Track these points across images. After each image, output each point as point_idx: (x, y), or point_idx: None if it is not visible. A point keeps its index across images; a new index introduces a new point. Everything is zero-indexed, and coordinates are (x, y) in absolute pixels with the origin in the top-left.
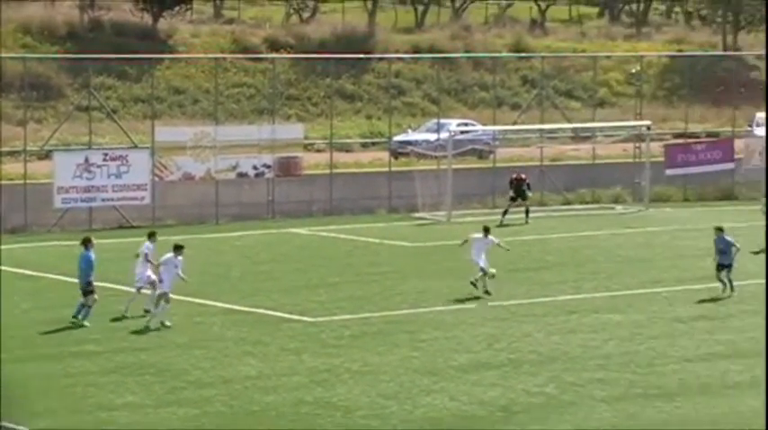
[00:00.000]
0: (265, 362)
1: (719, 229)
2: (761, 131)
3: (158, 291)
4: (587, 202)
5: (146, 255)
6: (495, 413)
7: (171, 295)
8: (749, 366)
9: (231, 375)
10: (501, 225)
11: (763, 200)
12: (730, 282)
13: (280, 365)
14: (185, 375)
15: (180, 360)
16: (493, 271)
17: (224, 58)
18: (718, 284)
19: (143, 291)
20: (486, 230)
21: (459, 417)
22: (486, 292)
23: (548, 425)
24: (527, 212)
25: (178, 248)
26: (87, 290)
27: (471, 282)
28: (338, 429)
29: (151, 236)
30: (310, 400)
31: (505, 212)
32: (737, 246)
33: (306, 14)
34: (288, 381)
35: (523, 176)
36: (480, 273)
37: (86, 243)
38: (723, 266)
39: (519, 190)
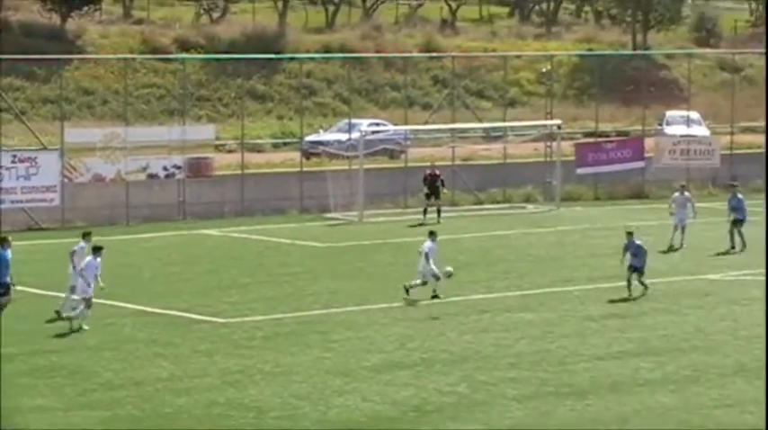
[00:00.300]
0: (177, 363)
1: (630, 233)
2: (671, 130)
3: (82, 296)
4: (499, 202)
5: (72, 252)
6: (407, 413)
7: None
8: (660, 363)
9: (142, 377)
10: (420, 224)
11: (672, 196)
12: (642, 283)
13: (191, 367)
14: (96, 377)
15: (91, 362)
16: (449, 269)
17: (133, 59)
18: (626, 284)
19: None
20: (432, 234)
21: (372, 418)
22: (435, 297)
23: (460, 424)
24: (439, 212)
25: (97, 250)
26: (1, 291)
27: (405, 287)
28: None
29: (86, 235)
30: (222, 402)
31: (425, 212)
32: (645, 248)
33: (216, 14)
34: (200, 383)
35: (437, 172)
36: (433, 279)
37: (3, 242)
38: (635, 269)
39: (433, 186)
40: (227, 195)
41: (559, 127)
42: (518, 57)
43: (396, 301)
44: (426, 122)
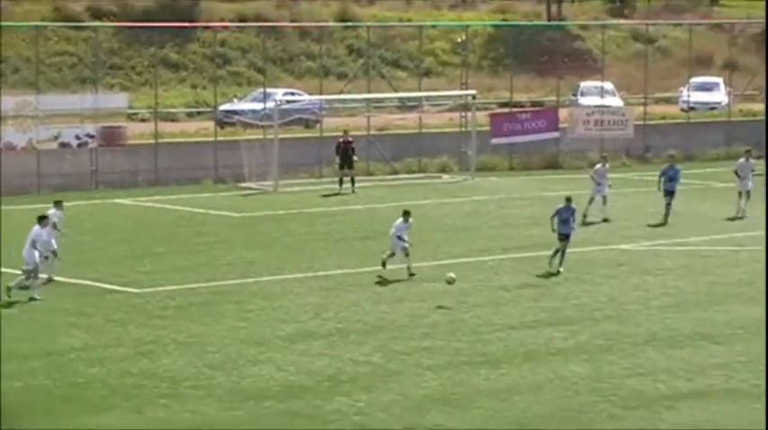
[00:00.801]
0: (90, 333)
1: (568, 199)
2: (585, 101)
3: (29, 267)
4: (414, 172)
5: (54, 224)
6: (322, 383)
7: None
8: (573, 333)
9: (55, 347)
10: (336, 194)
11: (594, 167)
12: (563, 253)
13: (104, 337)
14: (7, 347)
15: (2, 332)
16: (452, 275)
17: (45, 27)
18: (553, 253)
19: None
20: (406, 214)
21: (286, 387)
22: (411, 274)
23: (374, 394)
24: (353, 181)
25: (43, 219)
26: None
27: (383, 260)
28: (164, 400)
29: (57, 203)
30: (135, 372)
31: (341, 182)
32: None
33: None
34: (113, 353)
35: (350, 140)
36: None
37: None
38: (565, 236)
39: (346, 155)
40: (141, 164)
41: (474, 97)
42: (433, 27)
43: (310, 271)
44: (341, 92)
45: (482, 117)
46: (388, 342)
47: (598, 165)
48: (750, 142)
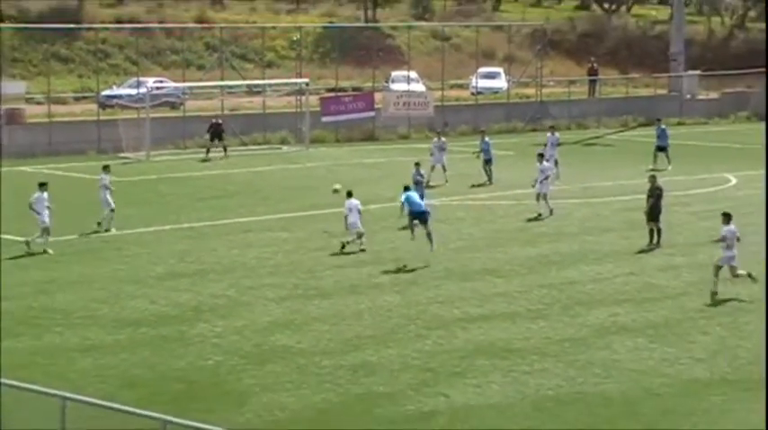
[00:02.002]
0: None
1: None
2: (395, 87)
3: (43, 226)
4: (259, 144)
5: (106, 185)
6: (186, 313)
7: None
8: (387, 270)
9: None
10: (204, 161)
11: (433, 141)
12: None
13: (11, 278)
14: None
15: None
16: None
17: None
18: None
19: None
20: (350, 194)
21: (158, 316)
22: (362, 250)
23: (229, 320)
24: (225, 149)
25: (42, 185)
26: None
27: (342, 243)
28: (59, 328)
29: (105, 168)
30: (36, 306)
31: (208, 151)
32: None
33: None
34: (18, 291)
35: (220, 122)
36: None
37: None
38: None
39: (216, 133)
40: (37, 139)
41: (307, 84)
42: (273, 28)
43: (176, 224)
44: (200, 80)
45: (314, 100)
46: (239, 279)
47: (434, 139)
48: (524, 119)
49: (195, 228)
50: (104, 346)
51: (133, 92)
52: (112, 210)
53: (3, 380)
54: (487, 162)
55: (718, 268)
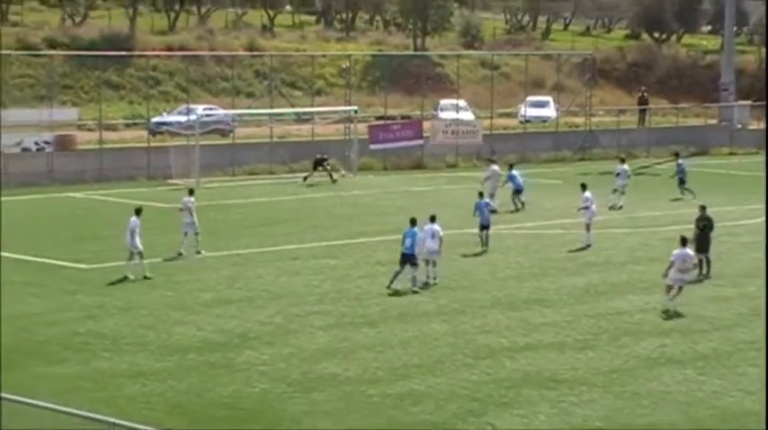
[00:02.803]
0: (47, 300)
1: (480, 195)
2: (444, 115)
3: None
4: (308, 171)
5: (190, 209)
6: (233, 339)
7: None
8: (435, 298)
9: (19, 312)
10: (310, 185)
11: (490, 168)
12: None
13: (58, 303)
14: None
15: None
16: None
17: (9, 55)
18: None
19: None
20: (433, 219)
21: (205, 343)
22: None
23: (276, 348)
24: (331, 176)
25: (139, 211)
26: None
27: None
28: (107, 354)
29: (191, 192)
30: (83, 331)
31: (305, 178)
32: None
33: (78, 19)
34: (64, 316)
35: (325, 156)
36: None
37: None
38: (484, 226)
39: (318, 162)
40: (88, 165)
41: (356, 111)
42: (323, 56)
43: (225, 250)
44: (250, 107)
45: (362, 128)
46: (287, 307)
47: (494, 167)
48: (573, 148)
49: (243, 254)
50: (152, 373)
51: (183, 119)
52: (197, 233)
53: (48, 405)
54: (517, 192)
55: None
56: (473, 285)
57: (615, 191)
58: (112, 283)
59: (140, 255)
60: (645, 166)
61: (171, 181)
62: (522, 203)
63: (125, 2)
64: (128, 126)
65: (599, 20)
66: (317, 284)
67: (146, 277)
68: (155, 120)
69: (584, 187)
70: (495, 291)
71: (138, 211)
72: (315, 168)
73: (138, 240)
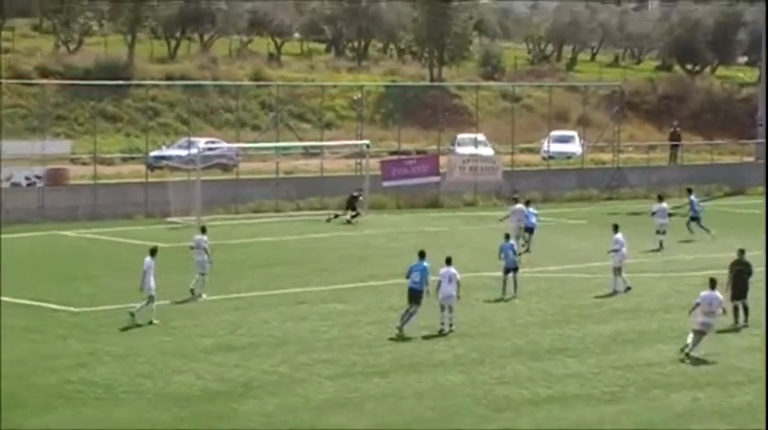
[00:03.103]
0: (37, 346)
1: (507, 236)
2: (461, 150)
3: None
4: (316, 209)
5: (204, 248)
6: (236, 388)
7: None
8: (451, 346)
9: (8, 357)
10: (328, 220)
11: (513, 207)
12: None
13: (49, 349)
14: None
15: None
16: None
17: None
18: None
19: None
20: (449, 261)
21: (206, 392)
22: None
23: (281, 397)
24: (353, 216)
25: (154, 252)
26: None
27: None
28: (100, 403)
29: (203, 230)
30: (75, 379)
31: (335, 217)
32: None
33: (72, 46)
34: (56, 364)
35: (359, 195)
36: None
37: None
38: (509, 270)
39: (350, 201)
40: (81, 201)
41: (368, 146)
42: (333, 86)
43: (227, 293)
44: (255, 141)
45: (374, 163)
46: (293, 354)
47: (518, 205)
48: (599, 186)
49: (246, 297)
50: (148, 422)
51: (183, 152)
52: (203, 274)
53: None
54: (528, 230)
55: None
56: (492, 332)
57: (658, 232)
58: (105, 328)
59: (151, 298)
60: (677, 206)
61: (170, 218)
62: (528, 244)
63: (123, 28)
64: (124, 160)
65: (628, 49)
66: (324, 330)
67: (151, 322)
68: (153, 153)
69: (616, 228)
70: (516, 338)
71: (152, 252)
72: (348, 206)
73: (152, 282)
